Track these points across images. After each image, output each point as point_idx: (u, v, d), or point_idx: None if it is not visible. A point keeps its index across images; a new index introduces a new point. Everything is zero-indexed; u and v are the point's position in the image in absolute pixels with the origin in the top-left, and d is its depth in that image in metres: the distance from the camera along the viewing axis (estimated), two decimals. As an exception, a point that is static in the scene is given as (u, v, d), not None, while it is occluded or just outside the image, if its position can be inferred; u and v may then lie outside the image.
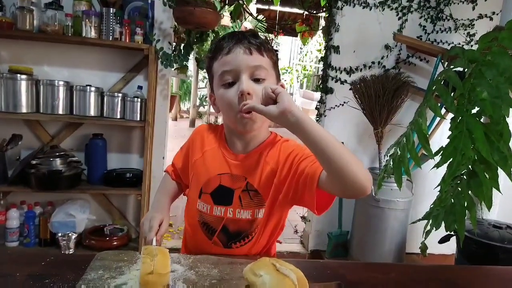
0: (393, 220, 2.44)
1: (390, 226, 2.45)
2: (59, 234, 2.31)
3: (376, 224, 2.46)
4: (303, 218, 3.04)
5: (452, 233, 2.11)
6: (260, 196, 0.95)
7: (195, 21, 2.22)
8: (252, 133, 0.96)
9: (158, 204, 1.07)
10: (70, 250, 2.32)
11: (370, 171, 2.56)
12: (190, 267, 0.84)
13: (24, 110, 2.23)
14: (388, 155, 1.82)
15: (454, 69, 1.69)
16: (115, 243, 2.41)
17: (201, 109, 9.33)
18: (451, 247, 2.55)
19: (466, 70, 1.54)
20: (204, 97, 10.06)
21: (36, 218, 2.35)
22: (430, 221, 1.71)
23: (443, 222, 1.66)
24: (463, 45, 2.62)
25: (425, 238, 1.68)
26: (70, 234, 2.32)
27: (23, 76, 2.21)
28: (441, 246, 2.21)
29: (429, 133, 2.23)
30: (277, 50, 1.01)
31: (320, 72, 2.74)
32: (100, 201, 2.60)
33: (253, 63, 0.90)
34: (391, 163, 1.77)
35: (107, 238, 2.42)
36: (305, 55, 9.41)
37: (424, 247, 1.74)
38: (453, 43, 2.66)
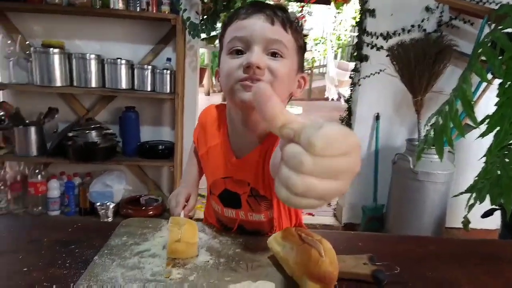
0: (432, 193, 2.33)
1: (430, 200, 2.34)
2: (98, 204, 2.40)
3: (414, 197, 2.36)
4: (336, 190, 2.98)
5: (497, 206, 1.98)
6: (268, 200, 0.85)
7: (222, -13, 2.14)
8: (252, 109, 0.77)
9: (186, 177, 1.03)
10: (109, 218, 2.41)
11: (408, 142, 2.44)
12: (214, 236, 0.82)
13: (58, 83, 2.28)
14: (429, 124, 1.71)
15: (503, 30, 1.54)
16: (150, 212, 2.47)
17: (233, 83, 9.27)
18: (495, 222, 2.41)
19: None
20: (237, 71, 9.96)
21: (75, 188, 2.45)
22: (474, 194, 1.60)
23: (488, 195, 1.55)
24: (514, 4, 2.38)
25: (468, 212, 1.58)
26: (108, 204, 2.40)
27: (56, 50, 2.25)
28: (484, 220, 2.09)
29: (473, 100, 2.07)
30: (306, 35, 0.87)
31: (356, 41, 2.59)
32: (135, 172, 2.66)
33: (272, 36, 0.74)
34: (432, 133, 1.66)
35: (143, 208, 2.48)
36: (340, 23, 9.02)
37: (466, 222, 1.65)
38: (501, 2, 2.42)
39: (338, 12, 8.21)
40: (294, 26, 0.78)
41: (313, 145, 0.32)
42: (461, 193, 1.69)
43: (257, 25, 0.74)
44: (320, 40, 8.88)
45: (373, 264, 0.75)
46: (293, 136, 0.35)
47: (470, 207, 1.59)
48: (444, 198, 2.38)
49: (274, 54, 0.75)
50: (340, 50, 9.59)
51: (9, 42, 2.26)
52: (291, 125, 0.36)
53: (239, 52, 0.75)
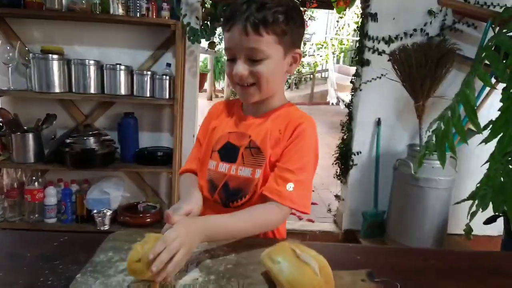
0: (434, 200, 2.28)
1: (431, 206, 2.29)
2: (95, 211, 2.37)
3: (415, 204, 2.31)
4: (336, 196, 2.94)
5: (499, 214, 1.94)
6: (261, 154, 0.94)
7: (221, -8, 2.12)
8: (253, 102, 0.95)
9: (187, 197, 0.96)
10: (105, 226, 2.38)
11: (409, 147, 2.40)
12: (205, 250, 0.79)
13: (57, 90, 2.26)
14: (431, 130, 1.68)
15: (508, 33, 1.50)
16: (148, 219, 2.43)
17: (235, 87, 9.26)
18: (497, 228, 2.37)
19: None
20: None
21: (72, 196, 2.42)
22: (476, 201, 1.56)
23: (490, 203, 1.51)
24: (518, 7, 2.34)
25: (470, 220, 1.54)
26: (105, 211, 2.38)
27: (55, 56, 2.23)
28: (487, 227, 2.04)
29: (476, 106, 2.03)
30: (288, 14, 0.88)
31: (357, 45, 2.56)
32: (133, 179, 2.63)
33: (248, 45, 0.86)
34: (434, 138, 1.62)
35: (141, 215, 2.45)
36: (342, 28, 9.00)
37: (468, 230, 1.60)
38: (505, 5, 2.38)
39: (341, 17, 8.20)
40: (270, 21, 0.85)
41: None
42: (463, 200, 1.65)
43: (235, 38, 0.87)
44: (322, 45, 8.86)
45: (372, 280, 0.71)
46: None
47: (472, 215, 1.54)
48: (446, 204, 2.34)
49: (254, 60, 0.87)
50: (342, 54, 9.57)
51: (8, 48, 2.25)
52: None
53: (232, 59, 0.90)
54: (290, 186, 0.88)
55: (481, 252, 0.92)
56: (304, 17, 0.97)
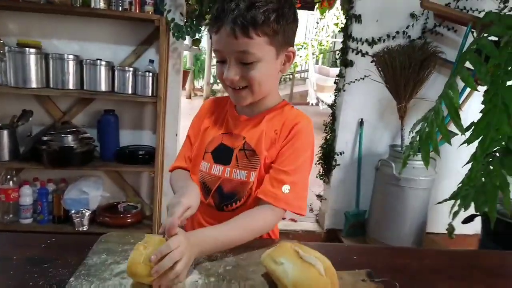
0: (414, 199, 2.33)
1: (411, 206, 2.34)
2: (73, 211, 2.29)
3: (396, 203, 2.36)
4: (318, 196, 2.96)
5: (477, 213, 2.00)
6: (256, 157, 0.91)
7: (207, -12, 2.09)
8: (245, 105, 0.92)
9: (184, 190, 0.88)
10: (84, 227, 2.30)
11: (391, 148, 2.44)
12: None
13: (34, 85, 2.17)
14: (414, 131, 1.70)
15: (488, 38, 1.54)
16: (128, 220, 2.38)
17: (215, 86, 9.20)
18: (474, 228, 2.45)
19: (502, 38, 1.40)
20: (218, 74, 9.88)
21: (49, 195, 2.33)
22: (458, 201, 1.60)
23: (472, 203, 1.55)
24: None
25: (453, 219, 1.57)
26: (83, 211, 2.30)
27: (32, 50, 2.14)
28: (463, 226, 2.10)
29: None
30: (279, 12, 0.83)
31: (337, 47, 2.58)
32: (113, 178, 2.56)
33: (238, 49, 0.82)
34: (418, 139, 1.65)
35: (121, 215, 2.39)
36: (321, 29, 9.09)
37: (451, 229, 1.63)
38: (484, 10, 2.46)
39: (321, 18, 8.28)
40: (259, 22, 0.80)
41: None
42: (445, 200, 1.68)
43: (223, 41, 0.82)
44: (302, 46, 8.92)
45: (372, 280, 0.71)
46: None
47: (455, 214, 1.58)
48: (425, 204, 2.40)
49: (245, 63, 0.83)
50: (321, 55, 9.67)
51: (-19, 40, 2.14)
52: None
53: (222, 61, 0.86)
54: (286, 188, 0.86)
55: (477, 251, 0.94)
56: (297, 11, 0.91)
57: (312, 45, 9.07)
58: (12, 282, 0.62)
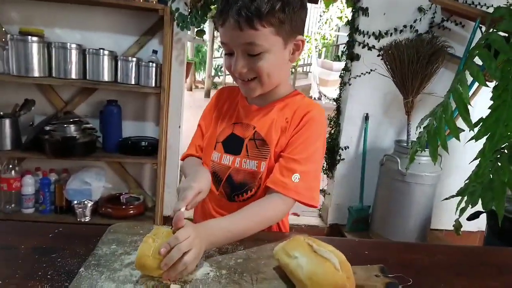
0: (419, 195, 2.32)
1: (416, 202, 2.33)
2: (75, 202, 2.28)
3: (401, 199, 2.34)
4: (322, 191, 2.95)
5: (482, 210, 1.99)
6: (266, 146, 0.90)
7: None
8: (255, 96, 0.91)
9: (195, 175, 0.88)
10: (86, 218, 2.29)
11: (396, 143, 2.42)
12: (212, 244, 0.75)
13: (36, 74, 2.15)
14: (422, 126, 1.68)
15: (498, 33, 1.52)
16: (131, 211, 2.36)
17: (216, 79, 9.15)
18: (477, 225, 2.44)
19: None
20: (220, 67, 9.83)
21: (51, 185, 2.31)
22: (465, 198, 1.58)
23: (479, 199, 1.53)
24: (505, 8, 2.38)
25: (460, 216, 1.56)
26: (86, 202, 2.29)
27: (34, 38, 2.11)
28: (466, 223, 2.09)
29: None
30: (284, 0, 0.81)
31: (341, 41, 2.55)
32: (115, 169, 2.54)
33: (244, 41, 0.81)
34: (425, 135, 1.63)
35: (123, 207, 2.37)
36: (325, 23, 9.02)
37: (458, 225, 1.63)
38: (492, 6, 2.43)
39: (324, 11, 8.21)
40: (264, 12, 0.77)
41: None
42: (452, 196, 1.67)
43: (229, 34, 0.81)
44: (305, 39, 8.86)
45: (385, 276, 0.70)
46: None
47: (462, 210, 1.56)
48: (430, 200, 2.38)
49: (253, 54, 0.82)
50: (324, 49, 9.60)
51: (-18, 28, 2.12)
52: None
53: (230, 53, 0.85)
54: (296, 177, 0.84)
55: (488, 247, 0.92)
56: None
57: (315, 39, 9.01)
58: (21, 271, 0.61)
